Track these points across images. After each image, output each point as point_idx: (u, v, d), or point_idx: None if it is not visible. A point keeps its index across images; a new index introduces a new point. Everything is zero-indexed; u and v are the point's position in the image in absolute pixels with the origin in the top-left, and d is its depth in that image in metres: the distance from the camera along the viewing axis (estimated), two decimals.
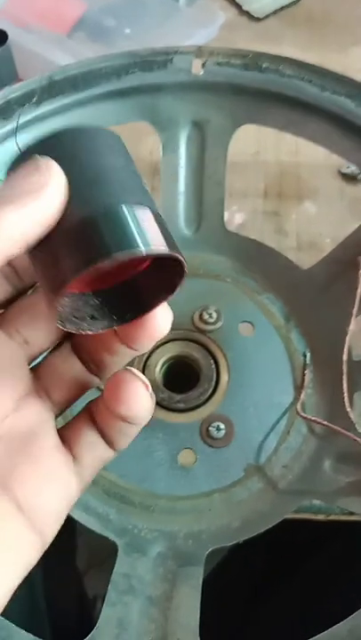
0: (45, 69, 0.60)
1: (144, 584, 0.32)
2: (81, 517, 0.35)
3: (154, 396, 0.22)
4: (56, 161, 0.19)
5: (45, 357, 0.23)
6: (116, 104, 0.38)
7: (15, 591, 0.21)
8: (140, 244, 0.17)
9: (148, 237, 0.18)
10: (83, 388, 0.23)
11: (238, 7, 0.70)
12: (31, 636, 0.26)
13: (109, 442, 0.22)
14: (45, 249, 0.18)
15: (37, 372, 0.23)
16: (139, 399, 0.21)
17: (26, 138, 0.37)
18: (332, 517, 0.41)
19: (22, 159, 0.19)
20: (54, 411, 0.22)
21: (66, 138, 0.19)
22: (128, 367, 0.21)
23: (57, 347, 0.23)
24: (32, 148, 0.19)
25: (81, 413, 0.23)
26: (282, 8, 0.70)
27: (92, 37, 0.67)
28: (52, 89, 0.38)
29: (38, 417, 0.22)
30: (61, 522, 0.21)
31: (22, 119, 0.37)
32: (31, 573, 0.56)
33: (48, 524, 0.20)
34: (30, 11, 0.67)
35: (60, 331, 0.22)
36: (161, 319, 0.21)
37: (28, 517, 0.20)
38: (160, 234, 0.19)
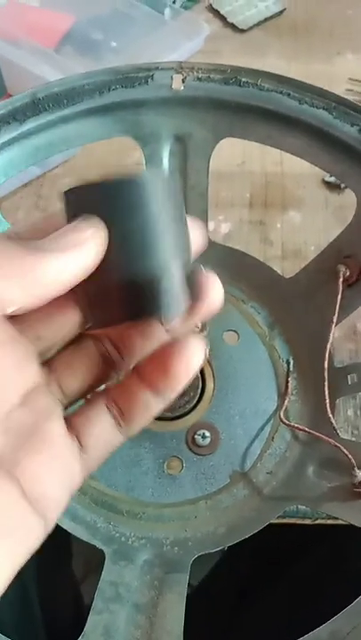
0: (34, 84, 0.61)
1: (131, 591, 0.32)
2: (69, 526, 0.36)
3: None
4: (107, 212, 0.20)
5: (60, 350, 0.23)
6: (98, 120, 0.39)
7: (10, 597, 0.21)
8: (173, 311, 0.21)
9: (181, 303, 0.21)
10: (97, 381, 0.24)
11: (223, 19, 0.71)
12: None
13: (128, 420, 0.23)
14: (99, 285, 0.21)
15: (51, 365, 0.23)
16: (196, 356, 0.22)
17: (13, 154, 0.38)
18: (319, 522, 0.42)
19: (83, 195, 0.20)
20: (65, 402, 0.23)
21: (122, 187, 0.20)
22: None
23: (74, 340, 0.24)
24: (93, 189, 0.20)
25: (93, 399, 0.23)
26: (266, 19, 0.71)
27: (79, 51, 0.68)
28: (36, 106, 0.39)
29: (45, 409, 0.22)
30: (63, 508, 0.22)
31: (6, 137, 0.38)
32: (26, 579, 0.57)
33: (50, 510, 0.21)
34: (18, 24, 0.68)
35: (75, 327, 0.22)
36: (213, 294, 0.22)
37: (31, 503, 0.20)
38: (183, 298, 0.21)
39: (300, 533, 0.47)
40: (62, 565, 0.70)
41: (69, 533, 0.58)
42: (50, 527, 0.21)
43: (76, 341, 0.24)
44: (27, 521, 0.20)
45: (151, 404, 0.23)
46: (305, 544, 0.53)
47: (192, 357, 0.22)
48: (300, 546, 0.54)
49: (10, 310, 0.20)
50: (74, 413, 0.23)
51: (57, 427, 0.22)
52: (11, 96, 0.61)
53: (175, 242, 0.21)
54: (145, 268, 0.20)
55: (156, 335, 0.24)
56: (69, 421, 0.23)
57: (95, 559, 0.35)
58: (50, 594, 0.60)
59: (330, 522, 0.42)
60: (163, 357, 0.22)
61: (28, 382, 0.22)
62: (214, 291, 0.22)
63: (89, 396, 0.24)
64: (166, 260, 0.20)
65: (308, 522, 0.42)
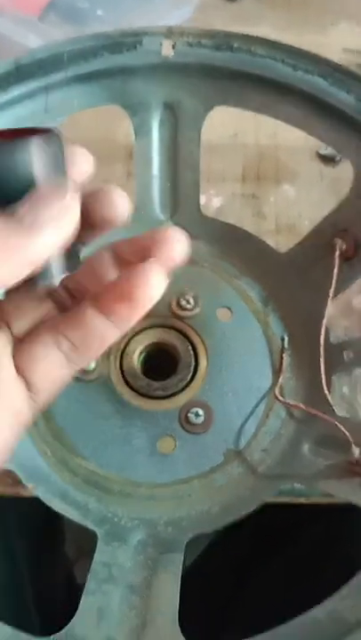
0: (16, 52, 0.59)
1: (124, 572, 0.32)
2: (60, 507, 0.35)
3: None
4: None
5: (8, 292, 0.23)
6: (84, 87, 0.37)
7: (2, 580, 0.22)
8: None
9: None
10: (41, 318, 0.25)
11: None
12: (10, 629, 0.26)
13: (82, 352, 0.24)
14: None
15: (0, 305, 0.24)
16: (159, 283, 0.23)
17: None
18: (313, 500, 0.42)
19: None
20: (12, 341, 0.24)
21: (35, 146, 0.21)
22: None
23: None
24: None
25: (37, 334, 0.24)
26: None
27: (64, 19, 0.66)
28: (20, 73, 0.37)
29: None
30: (10, 447, 0.23)
31: None
32: (18, 562, 0.56)
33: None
34: None
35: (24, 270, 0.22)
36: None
37: None
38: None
39: (296, 513, 0.47)
40: (55, 548, 0.70)
41: (60, 516, 0.57)
42: (3, 461, 0.23)
43: (24, 282, 0.23)
44: None
45: (108, 334, 0.24)
46: (300, 524, 0.53)
47: (155, 285, 0.23)
48: (296, 525, 0.54)
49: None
50: (17, 351, 0.24)
51: (6, 367, 0.23)
52: None
53: None
54: None
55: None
56: (15, 359, 0.24)
57: (87, 542, 0.35)
58: (42, 577, 0.60)
59: (324, 501, 0.42)
60: (126, 285, 0.23)
61: None
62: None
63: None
64: None
65: (302, 500, 0.42)
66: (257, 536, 0.60)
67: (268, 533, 0.59)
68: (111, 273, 0.26)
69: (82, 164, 0.23)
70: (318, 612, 0.26)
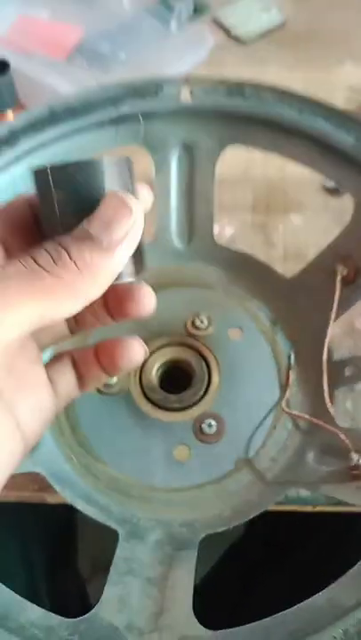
0: (45, 94, 0.64)
1: (143, 566, 0.35)
2: (84, 508, 0.38)
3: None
4: (74, 188, 0.24)
5: None
6: (111, 130, 0.42)
7: (21, 593, 0.26)
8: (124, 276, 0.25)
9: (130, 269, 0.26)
10: (59, 340, 0.30)
11: (227, 31, 0.74)
12: (14, 595, 0.29)
13: (82, 383, 0.30)
14: None
15: None
16: (136, 358, 0.29)
17: (33, 162, 0.41)
18: (319, 509, 0.45)
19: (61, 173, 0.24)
20: (40, 349, 0.29)
21: (87, 166, 0.24)
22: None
23: None
24: (68, 167, 0.24)
25: (62, 357, 0.30)
26: (268, 31, 0.73)
27: (89, 62, 0.70)
28: (53, 118, 0.42)
29: (35, 355, 0.28)
30: (40, 437, 0.28)
31: (26, 146, 0.41)
32: (36, 576, 0.60)
33: (31, 438, 0.27)
34: (30, 38, 0.71)
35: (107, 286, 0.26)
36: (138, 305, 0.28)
37: (20, 431, 0.26)
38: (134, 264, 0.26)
39: (303, 521, 0.49)
40: (69, 562, 0.73)
41: (75, 534, 0.60)
42: (28, 449, 0.27)
43: None
44: (16, 442, 0.26)
45: (101, 377, 0.30)
46: (306, 532, 0.56)
47: (131, 359, 0.29)
48: (301, 534, 0.57)
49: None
50: (47, 365, 0.29)
51: (42, 373, 0.28)
52: (23, 106, 0.64)
53: None
54: None
55: (101, 318, 0.30)
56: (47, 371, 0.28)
57: (101, 559, 0.37)
58: (59, 590, 0.62)
59: (329, 509, 0.44)
60: (112, 351, 0.29)
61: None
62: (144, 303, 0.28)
63: (56, 354, 0.30)
64: None
65: (308, 509, 0.45)
66: (264, 546, 0.63)
67: (275, 542, 0.61)
68: (102, 311, 0.30)
69: (145, 197, 0.27)
70: (319, 599, 0.29)
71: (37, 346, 0.29)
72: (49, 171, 0.24)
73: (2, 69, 0.61)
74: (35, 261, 0.23)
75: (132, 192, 0.25)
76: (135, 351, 0.29)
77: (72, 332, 0.31)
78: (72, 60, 0.71)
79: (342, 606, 0.28)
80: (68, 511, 0.74)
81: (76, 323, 0.31)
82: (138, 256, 0.26)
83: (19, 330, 0.22)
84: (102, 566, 0.37)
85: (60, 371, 0.29)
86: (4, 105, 0.62)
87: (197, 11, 0.77)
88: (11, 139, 0.41)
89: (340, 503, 0.43)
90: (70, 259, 0.23)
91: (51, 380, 0.28)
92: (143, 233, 0.25)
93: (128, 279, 0.26)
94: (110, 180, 0.24)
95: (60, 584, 0.65)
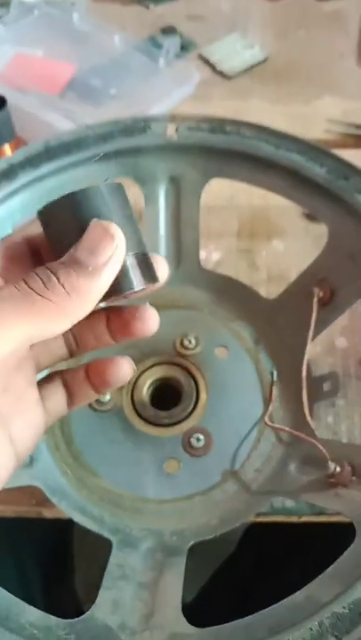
0: (40, 128, 0.67)
1: (135, 572, 0.37)
2: (80, 519, 0.41)
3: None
4: (74, 216, 0.26)
5: None
6: (103, 165, 0.45)
7: None
8: (134, 286, 0.27)
9: (139, 278, 0.27)
10: (59, 361, 0.33)
11: (212, 67, 0.78)
12: (13, 597, 0.31)
13: (71, 400, 0.32)
14: None
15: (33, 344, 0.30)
16: (125, 375, 0.31)
17: (29, 196, 0.44)
18: (304, 519, 0.47)
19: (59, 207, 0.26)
20: (38, 370, 0.32)
21: (101, 191, 0.27)
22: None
23: None
24: (64, 200, 0.26)
25: (53, 377, 0.32)
26: (251, 67, 0.78)
27: (81, 97, 0.74)
28: (49, 153, 0.45)
29: (30, 377, 0.30)
30: (30, 451, 0.30)
31: (24, 180, 0.44)
32: (33, 590, 0.62)
33: (23, 451, 0.29)
34: (26, 75, 0.75)
35: (92, 307, 0.28)
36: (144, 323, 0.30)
37: (13, 444, 0.28)
38: (143, 274, 0.27)
39: (293, 534, 0.51)
40: (65, 579, 0.74)
41: (71, 552, 0.62)
42: (20, 462, 0.29)
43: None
44: (8, 456, 0.28)
45: (90, 396, 0.32)
46: (297, 545, 0.58)
47: (121, 376, 0.31)
48: (293, 546, 0.59)
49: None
50: (39, 384, 0.31)
51: (35, 393, 0.30)
52: (20, 139, 0.67)
53: (128, 235, 0.27)
54: None
55: (102, 339, 0.32)
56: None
57: (97, 577, 0.39)
58: (55, 606, 0.64)
59: (314, 519, 0.47)
60: (103, 369, 0.31)
61: (24, 352, 0.29)
62: (162, 271, 0.30)
63: (45, 374, 0.32)
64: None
65: (294, 519, 0.47)
66: (256, 560, 0.65)
67: (267, 557, 0.63)
68: (104, 333, 0.32)
69: (161, 270, 0.29)
70: (298, 596, 0.31)
71: (35, 367, 0.31)
72: (43, 209, 0.27)
73: (1, 105, 0.64)
74: (27, 285, 0.25)
75: (126, 215, 0.27)
76: (125, 369, 0.32)
77: (72, 354, 0.33)
78: (65, 96, 0.74)
79: (319, 602, 0.30)
80: (63, 529, 0.76)
81: (77, 345, 0.33)
82: (144, 268, 0.28)
83: (10, 347, 0.25)
84: (98, 583, 0.39)
85: (52, 390, 0.32)
86: (2, 139, 0.65)
87: (184, 48, 0.81)
88: (9, 173, 0.44)
89: (322, 513, 0.46)
90: (59, 282, 0.25)
91: (42, 398, 0.31)
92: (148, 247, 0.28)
93: (140, 286, 0.27)
94: (99, 208, 0.26)
95: (55, 600, 0.66)
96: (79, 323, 0.31)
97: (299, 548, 0.58)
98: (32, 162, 0.45)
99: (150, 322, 0.30)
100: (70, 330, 0.32)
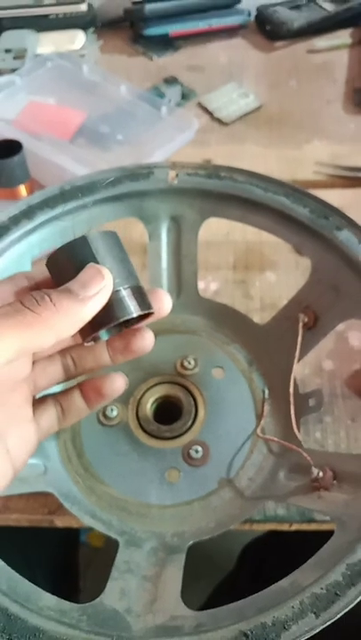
0: (52, 170, 0.73)
1: (140, 567, 0.41)
2: (90, 522, 0.45)
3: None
4: (75, 259, 0.32)
5: (39, 360, 0.36)
6: (111, 206, 0.51)
7: None
8: (132, 312, 0.33)
9: (135, 306, 0.33)
10: (56, 383, 0.37)
11: (210, 114, 0.85)
12: (33, 585, 0.35)
13: (65, 417, 0.37)
14: None
15: (32, 368, 0.35)
16: (119, 388, 0.37)
17: (46, 232, 0.50)
18: (295, 527, 0.51)
19: (68, 249, 0.32)
20: (35, 392, 0.36)
21: (94, 238, 0.33)
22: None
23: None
24: (74, 244, 0.32)
25: (46, 398, 0.36)
26: (246, 114, 0.84)
27: (90, 142, 0.80)
28: (64, 196, 0.51)
29: (25, 397, 0.34)
30: (24, 464, 0.34)
31: (41, 219, 0.50)
32: None
33: (17, 464, 0.33)
34: (39, 121, 0.82)
35: (77, 327, 0.33)
36: (144, 341, 0.35)
37: (10, 458, 0.32)
38: (138, 303, 0.33)
39: (288, 553, 0.55)
40: (70, 594, 0.77)
41: (77, 575, 0.65)
42: (16, 473, 0.33)
43: (51, 356, 0.36)
44: (6, 466, 0.32)
45: (82, 410, 0.37)
46: (293, 563, 0.61)
47: (116, 387, 0.36)
48: (289, 564, 0.62)
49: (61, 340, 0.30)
50: (33, 404, 0.35)
51: (29, 412, 0.34)
52: (34, 181, 0.73)
53: (119, 272, 0.33)
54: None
55: (100, 360, 0.36)
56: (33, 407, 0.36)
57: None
58: None
59: (304, 527, 0.51)
60: (99, 384, 0.36)
61: (20, 376, 0.33)
62: (166, 302, 0.35)
63: (39, 396, 0.36)
64: (115, 283, 0.32)
65: (285, 527, 0.51)
66: (253, 577, 0.68)
67: (264, 573, 0.67)
68: (103, 352, 0.37)
69: (163, 302, 0.35)
70: (283, 583, 0.35)
71: (32, 388, 0.35)
72: (48, 259, 0.33)
73: (17, 149, 0.71)
74: (21, 303, 0.30)
75: (118, 256, 0.33)
76: (118, 382, 0.36)
77: (69, 376, 0.37)
78: (75, 141, 0.81)
79: (301, 586, 0.34)
80: (69, 546, 0.79)
81: (75, 367, 0.37)
82: (138, 298, 0.33)
83: (3, 358, 0.28)
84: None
85: (45, 409, 0.36)
86: (18, 180, 0.71)
87: (185, 97, 0.88)
88: (29, 213, 0.50)
89: (313, 521, 0.50)
90: (51, 301, 0.30)
91: (35, 416, 0.35)
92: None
93: (137, 312, 0.33)
94: (94, 251, 0.32)
95: None
96: (80, 345, 0.36)
97: (296, 566, 0.62)
98: (49, 203, 0.50)
99: (148, 340, 0.36)
100: (70, 353, 0.37)
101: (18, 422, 0.34)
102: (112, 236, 0.34)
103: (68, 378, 0.37)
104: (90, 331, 0.33)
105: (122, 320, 0.33)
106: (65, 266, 0.32)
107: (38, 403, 0.36)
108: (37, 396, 0.37)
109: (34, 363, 0.34)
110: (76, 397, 0.37)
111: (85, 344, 0.34)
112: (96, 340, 0.35)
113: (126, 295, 0.33)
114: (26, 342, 0.29)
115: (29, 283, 0.34)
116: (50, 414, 0.36)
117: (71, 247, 0.32)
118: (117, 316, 0.32)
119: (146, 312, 0.34)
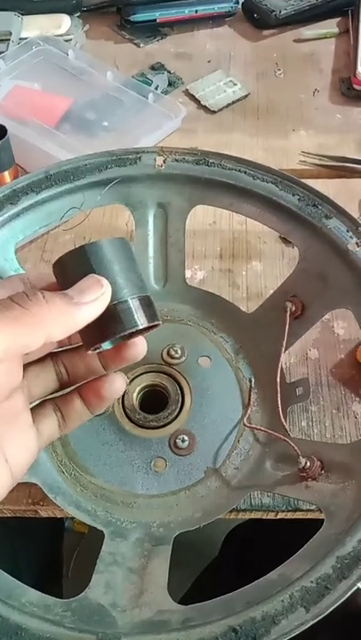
0: (37, 156, 0.72)
1: (125, 559, 0.41)
2: (74, 513, 0.44)
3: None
4: (81, 266, 0.31)
5: (30, 366, 0.35)
6: (98, 191, 0.50)
7: None
8: (139, 324, 0.32)
9: (142, 318, 0.32)
10: (50, 392, 0.36)
11: (197, 102, 0.84)
12: (16, 581, 0.35)
13: (66, 422, 0.36)
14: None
15: (25, 375, 0.34)
16: (120, 389, 0.36)
17: (30, 218, 0.48)
18: (281, 516, 0.51)
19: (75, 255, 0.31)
20: (30, 400, 0.35)
21: (102, 246, 0.32)
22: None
23: (42, 360, 0.35)
24: (81, 250, 0.31)
25: (45, 404, 0.35)
26: (233, 102, 0.84)
27: (76, 129, 0.79)
28: (48, 180, 0.50)
29: (22, 404, 0.33)
30: (25, 471, 0.33)
31: (25, 204, 0.49)
32: None
33: (17, 471, 0.32)
34: (25, 106, 0.80)
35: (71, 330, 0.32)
36: (137, 348, 0.34)
37: (9, 466, 0.31)
38: (145, 314, 0.32)
39: (273, 538, 0.54)
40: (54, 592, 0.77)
41: (61, 561, 0.63)
42: (15, 481, 0.32)
43: (42, 362, 0.35)
44: (5, 475, 0.31)
45: (83, 414, 0.36)
46: (277, 548, 0.61)
47: (116, 389, 0.35)
48: (273, 550, 0.62)
49: (51, 341, 0.30)
50: (32, 411, 0.35)
51: (28, 418, 0.34)
52: (18, 166, 0.72)
53: (127, 282, 0.32)
54: (116, 298, 0.31)
55: (92, 367, 0.35)
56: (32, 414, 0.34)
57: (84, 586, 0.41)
58: None
59: (289, 516, 0.51)
60: (98, 386, 0.35)
61: (14, 383, 0.32)
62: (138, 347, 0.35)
63: (38, 402, 0.35)
64: (122, 292, 0.31)
65: (271, 516, 0.51)
66: (238, 562, 0.68)
67: (251, 558, 0.67)
68: (94, 359, 0.36)
69: (139, 347, 0.34)
70: (272, 575, 0.35)
71: (27, 396, 0.34)
72: (56, 262, 0.32)
73: (1, 134, 0.69)
74: (11, 299, 0.29)
75: (127, 264, 0.32)
76: (118, 383, 0.35)
77: (63, 385, 0.36)
78: (61, 127, 0.80)
79: (290, 579, 0.34)
80: (55, 533, 0.79)
81: (68, 376, 0.36)
82: (146, 309, 0.32)
83: None
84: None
85: (44, 415, 0.35)
86: (3, 166, 0.70)
87: (172, 84, 0.87)
88: (12, 197, 0.49)
89: (298, 510, 0.50)
90: (43, 298, 0.29)
91: (35, 422, 0.34)
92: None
93: (145, 324, 0.32)
94: (100, 260, 0.31)
95: None
96: (71, 351, 0.35)
97: (280, 554, 0.62)
98: (33, 187, 0.49)
99: (140, 347, 0.35)
100: (62, 360, 0.36)
101: (17, 430, 0.33)
102: (122, 243, 0.33)
103: (62, 386, 0.36)
104: (94, 340, 0.32)
105: (128, 332, 0.32)
106: (70, 271, 0.31)
107: (38, 410, 0.35)
108: (36, 403, 0.36)
109: (25, 369, 0.33)
110: (76, 402, 0.36)
111: (89, 353, 0.33)
112: (99, 349, 0.33)
113: (133, 306, 0.32)
114: (14, 339, 0.28)
115: (26, 288, 0.33)
116: (50, 421, 0.35)
117: (79, 253, 0.31)
118: (124, 327, 0.31)
119: (153, 324, 0.33)
